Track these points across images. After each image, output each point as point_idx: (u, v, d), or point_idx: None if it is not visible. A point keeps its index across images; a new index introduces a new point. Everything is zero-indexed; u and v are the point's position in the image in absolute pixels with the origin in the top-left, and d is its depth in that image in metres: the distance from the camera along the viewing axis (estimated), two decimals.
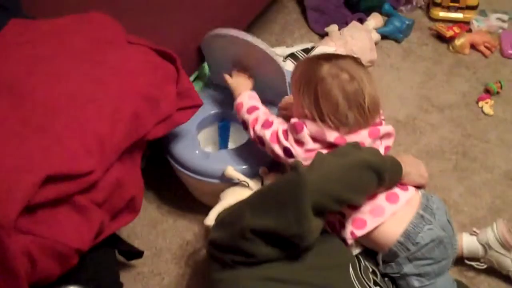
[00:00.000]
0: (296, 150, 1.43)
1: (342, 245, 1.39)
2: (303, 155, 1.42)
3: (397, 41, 2.42)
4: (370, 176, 1.32)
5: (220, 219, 1.38)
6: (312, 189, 1.22)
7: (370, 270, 1.39)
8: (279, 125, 1.49)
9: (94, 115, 1.34)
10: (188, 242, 1.77)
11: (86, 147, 1.30)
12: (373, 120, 1.42)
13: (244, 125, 1.57)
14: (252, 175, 1.64)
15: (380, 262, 1.41)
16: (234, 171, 1.61)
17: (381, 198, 1.39)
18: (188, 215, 1.83)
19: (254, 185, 1.61)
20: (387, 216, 1.37)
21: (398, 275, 1.39)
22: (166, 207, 1.85)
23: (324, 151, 1.39)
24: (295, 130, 1.43)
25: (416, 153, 1.97)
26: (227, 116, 1.82)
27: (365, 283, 1.32)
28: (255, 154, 1.65)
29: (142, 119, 1.43)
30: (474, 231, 1.57)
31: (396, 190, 1.41)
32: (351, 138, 1.40)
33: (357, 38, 2.24)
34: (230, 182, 1.63)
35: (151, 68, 1.49)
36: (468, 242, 1.56)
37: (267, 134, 1.49)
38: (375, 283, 1.35)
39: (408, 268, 1.37)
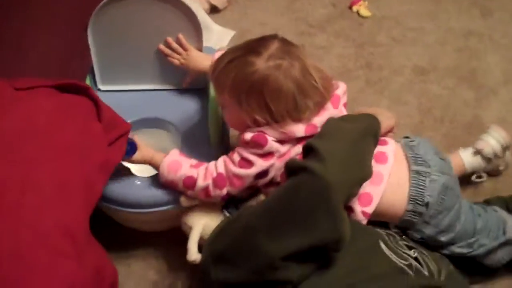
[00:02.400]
0: (270, 164, 1.20)
1: (361, 225, 1.23)
2: (280, 164, 1.20)
3: None
4: (371, 143, 1.20)
5: (218, 254, 1.12)
6: (339, 186, 1.04)
7: (397, 236, 1.25)
8: (221, 162, 1.25)
9: (44, 205, 0.97)
10: (155, 283, 1.47)
11: (58, 250, 0.95)
12: (331, 93, 1.23)
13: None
14: None
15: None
16: (189, 199, 1.32)
17: (372, 164, 1.22)
18: (137, 253, 1.51)
19: None
20: (386, 179, 1.22)
21: (422, 239, 1.27)
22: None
23: (296, 148, 1.20)
24: (259, 145, 1.18)
25: None
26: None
27: (401, 252, 1.18)
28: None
29: (91, 178, 1.09)
30: (478, 149, 1.49)
31: (378, 148, 1.25)
32: (319, 120, 1.21)
33: None
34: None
35: (67, 112, 1.12)
36: (471, 162, 1.48)
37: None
38: (409, 247, 1.22)
39: (429, 230, 1.25)
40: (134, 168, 1.40)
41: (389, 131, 1.32)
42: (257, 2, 2.10)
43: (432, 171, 1.24)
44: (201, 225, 1.32)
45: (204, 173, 1.24)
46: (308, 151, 1.11)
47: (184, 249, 1.29)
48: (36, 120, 1.06)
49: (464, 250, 1.29)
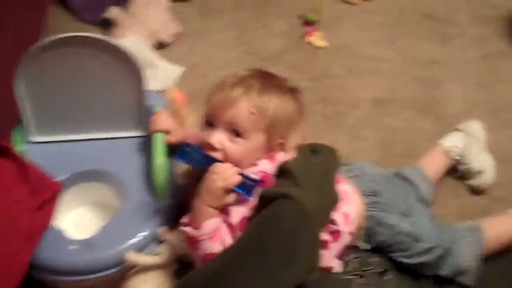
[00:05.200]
0: None
1: (332, 277, 1.16)
2: None
3: None
4: (336, 166, 1.21)
5: None
6: (317, 212, 1.03)
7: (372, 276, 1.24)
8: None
9: None
10: None
11: None
12: None
13: None
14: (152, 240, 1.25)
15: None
16: (137, 256, 1.20)
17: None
18: None
19: (164, 254, 1.22)
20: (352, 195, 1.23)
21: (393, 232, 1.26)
22: None
23: None
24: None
25: None
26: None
27: None
28: (145, 215, 1.26)
29: (17, 251, 0.97)
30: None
31: None
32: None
33: (152, 14, 1.87)
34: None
35: None
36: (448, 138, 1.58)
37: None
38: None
39: (392, 219, 1.26)
40: (69, 229, 1.27)
41: None
42: (205, 36, 2.00)
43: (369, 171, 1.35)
44: None
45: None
46: (282, 172, 1.08)
47: None
48: None
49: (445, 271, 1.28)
